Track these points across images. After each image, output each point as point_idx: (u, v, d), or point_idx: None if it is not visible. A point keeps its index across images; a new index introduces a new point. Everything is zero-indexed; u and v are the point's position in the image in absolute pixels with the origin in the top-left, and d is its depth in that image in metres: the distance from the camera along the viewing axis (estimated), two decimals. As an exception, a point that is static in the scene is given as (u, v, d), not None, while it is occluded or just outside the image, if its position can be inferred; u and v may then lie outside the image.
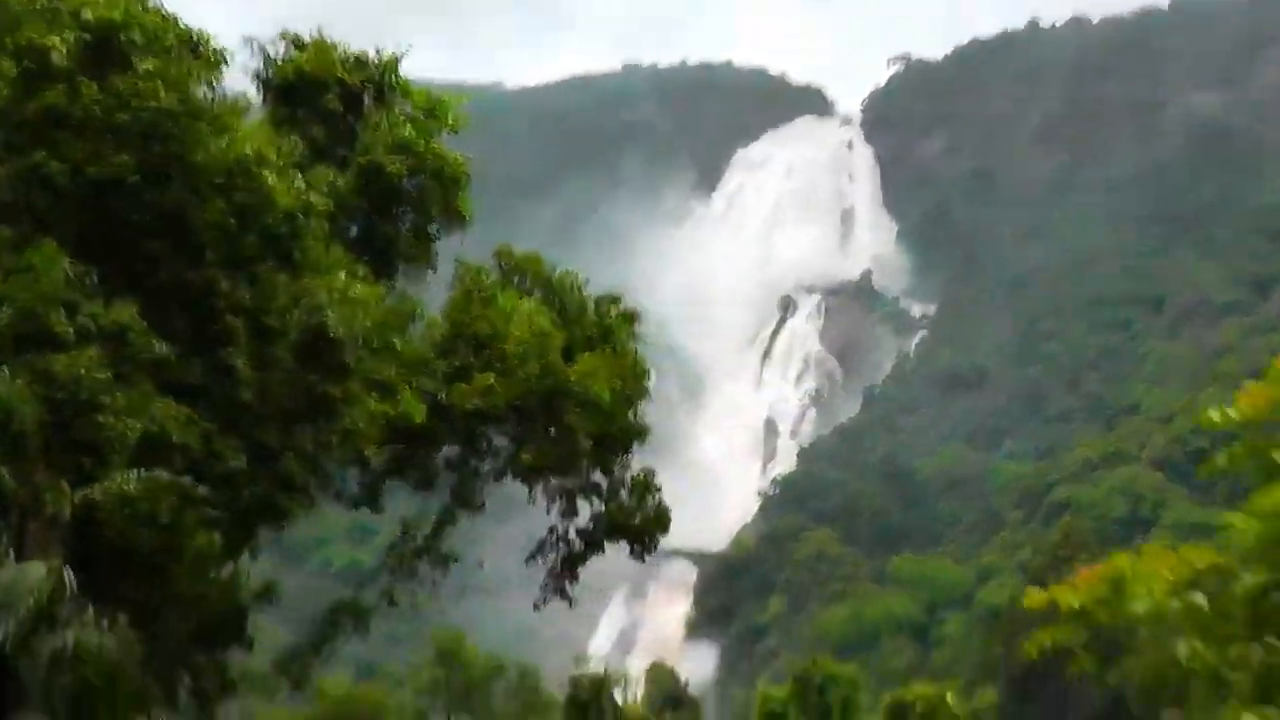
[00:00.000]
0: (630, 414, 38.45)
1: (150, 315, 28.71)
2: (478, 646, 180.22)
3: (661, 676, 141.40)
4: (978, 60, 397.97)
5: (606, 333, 39.18)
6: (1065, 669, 69.05)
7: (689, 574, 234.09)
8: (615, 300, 39.82)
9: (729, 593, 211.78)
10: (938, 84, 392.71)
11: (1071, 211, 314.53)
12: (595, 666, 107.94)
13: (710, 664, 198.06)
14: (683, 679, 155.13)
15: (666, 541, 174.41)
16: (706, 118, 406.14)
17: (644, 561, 40.35)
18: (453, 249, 45.38)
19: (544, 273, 41.15)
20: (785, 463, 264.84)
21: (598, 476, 40.69)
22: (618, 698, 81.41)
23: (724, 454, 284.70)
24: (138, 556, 27.69)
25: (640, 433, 41.73)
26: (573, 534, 41.38)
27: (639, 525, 39.20)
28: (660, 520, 39.53)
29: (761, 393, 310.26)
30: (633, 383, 38.28)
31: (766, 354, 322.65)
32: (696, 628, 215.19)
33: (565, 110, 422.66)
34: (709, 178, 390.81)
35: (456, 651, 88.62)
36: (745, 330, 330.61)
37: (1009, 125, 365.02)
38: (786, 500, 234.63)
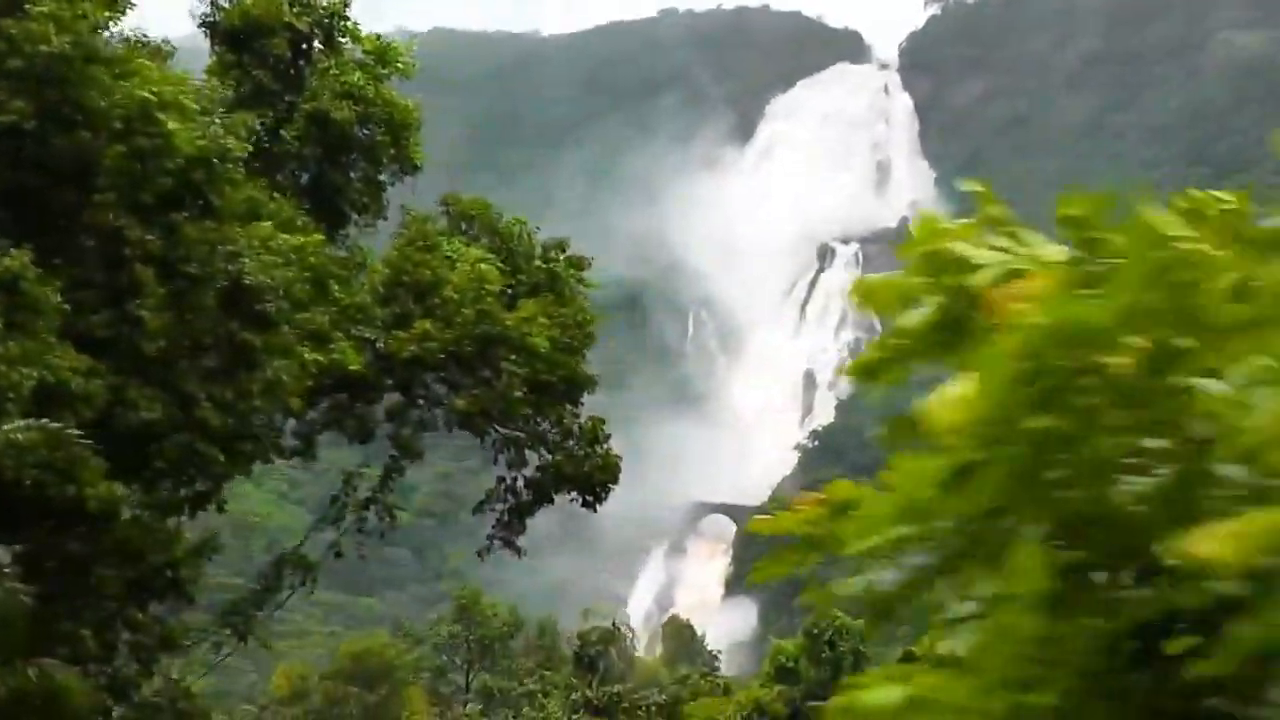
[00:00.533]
0: (575, 362, 37.35)
1: (58, 265, 28.21)
2: (509, 604, 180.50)
3: (679, 631, 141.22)
4: (1015, 2, 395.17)
5: (553, 279, 38.14)
6: None
7: (728, 529, 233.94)
8: (562, 246, 38.68)
9: (768, 547, 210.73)
10: (976, 27, 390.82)
11: (1110, 155, 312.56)
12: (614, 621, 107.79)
13: (751, 619, 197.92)
14: (706, 633, 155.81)
15: (704, 495, 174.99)
16: (741, 64, 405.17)
17: (595, 511, 39.12)
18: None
19: (491, 219, 39.89)
20: (824, 415, 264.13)
21: (547, 427, 39.53)
22: (639, 651, 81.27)
23: (762, 407, 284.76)
24: (37, 505, 27.23)
25: (587, 381, 39.85)
26: (520, 485, 40.05)
27: (587, 475, 38.09)
28: (608, 469, 38.42)
29: (799, 344, 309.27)
30: (577, 330, 37.18)
31: (804, 304, 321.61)
32: (736, 583, 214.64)
33: (599, 57, 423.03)
34: (744, 125, 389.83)
35: (473, 608, 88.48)
36: (782, 280, 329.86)
37: (1047, 69, 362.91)
38: (825, 453, 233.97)
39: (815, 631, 73.34)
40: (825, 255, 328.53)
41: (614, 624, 67.16)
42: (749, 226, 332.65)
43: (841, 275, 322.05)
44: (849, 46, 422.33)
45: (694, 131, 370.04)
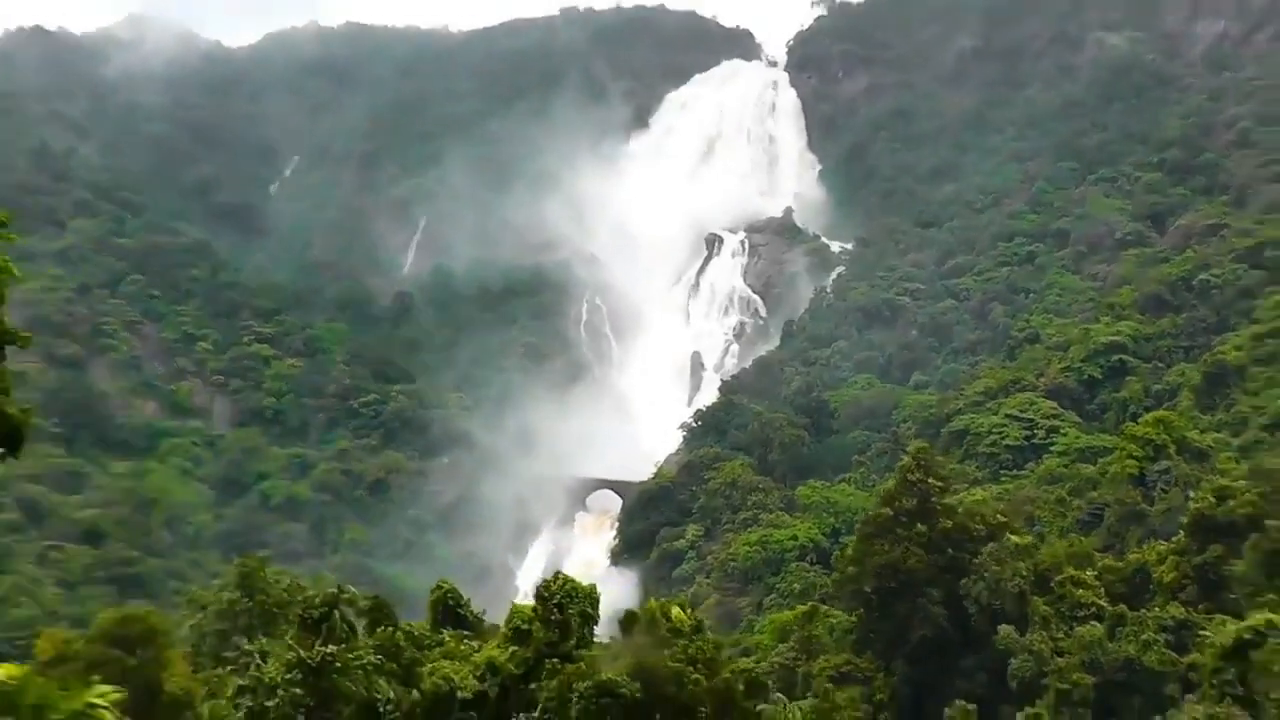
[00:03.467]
0: None
1: None
2: (403, 575, 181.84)
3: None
4: (898, 1, 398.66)
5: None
6: (915, 590, 70.54)
7: (614, 503, 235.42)
8: None
9: (649, 521, 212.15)
10: (860, 26, 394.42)
11: (984, 149, 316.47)
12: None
13: (632, 587, 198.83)
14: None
15: (594, 472, 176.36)
16: (639, 60, 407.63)
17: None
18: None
19: None
20: (709, 395, 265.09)
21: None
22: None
23: (653, 388, 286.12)
24: None
25: (8, 337, 33.50)
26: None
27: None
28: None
29: (689, 328, 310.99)
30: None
31: (694, 290, 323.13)
32: (620, 555, 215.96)
33: (503, 52, 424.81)
34: (640, 119, 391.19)
35: (255, 577, 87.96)
36: (674, 268, 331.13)
37: (927, 65, 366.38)
38: (707, 431, 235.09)
39: (546, 595, 73.40)
40: (714, 244, 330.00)
41: (338, 588, 66.64)
42: (642, 216, 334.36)
43: (729, 263, 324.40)
44: (740, 44, 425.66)
45: (592, 124, 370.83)
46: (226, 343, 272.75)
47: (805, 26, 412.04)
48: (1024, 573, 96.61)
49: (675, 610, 70.97)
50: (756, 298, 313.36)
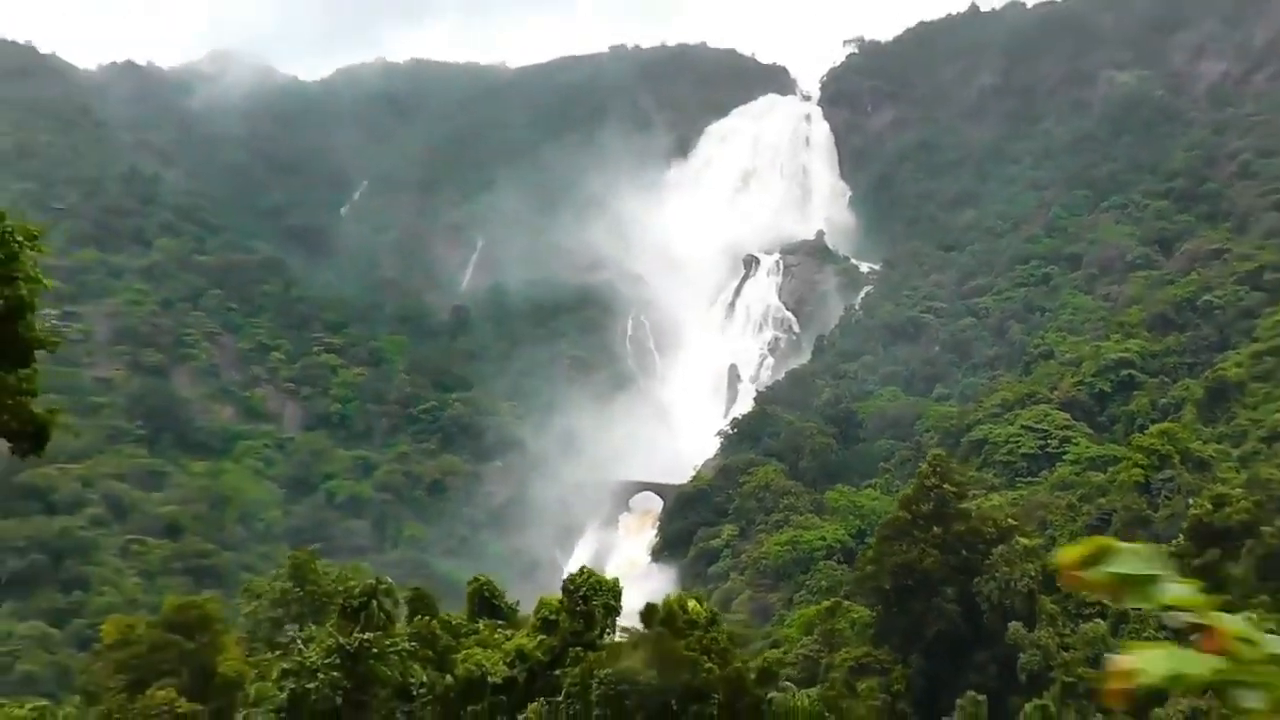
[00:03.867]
0: (23, 325, 32.38)
1: None
2: (452, 568, 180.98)
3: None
4: (924, 41, 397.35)
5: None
6: (930, 588, 69.08)
7: (656, 504, 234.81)
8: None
9: (688, 521, 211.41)
10: (888, 63, 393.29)
11: (1003, 178, 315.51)
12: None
13: (671, 583, 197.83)
14: (630, 594, 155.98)
15: (637, 476, 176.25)
16: (681, 94, 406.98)
17: (24, 459, 35.25)
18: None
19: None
20: (745, 405, 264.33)
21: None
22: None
23: (692, 398, 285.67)
24: None
25: (38, 342, 32.68)
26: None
27: (16, 429, 33.74)
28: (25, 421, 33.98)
29: (726, 342, 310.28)
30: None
31: (731, 307, 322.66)
32: (660, 552, 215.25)
33: (556, 87, 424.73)
34: (683, 149, 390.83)
35: (306, 568, 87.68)
36: (713, 286, 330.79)
37: (950, 100, 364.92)
38: (742, 438, 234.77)
39: (572, 588, 72.73)
40: (750, 264, 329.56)
41: (376, 580, 65.98)
42: (684, 238, 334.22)
43: (764, 282, 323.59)
44: (777, 80, 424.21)
45: (638, 154, 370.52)
46: (297, 353, 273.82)
47: (837, 64, 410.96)
48: (1032, 573, 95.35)
49: (692, 603, 70.35)
50: (790, 315, 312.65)
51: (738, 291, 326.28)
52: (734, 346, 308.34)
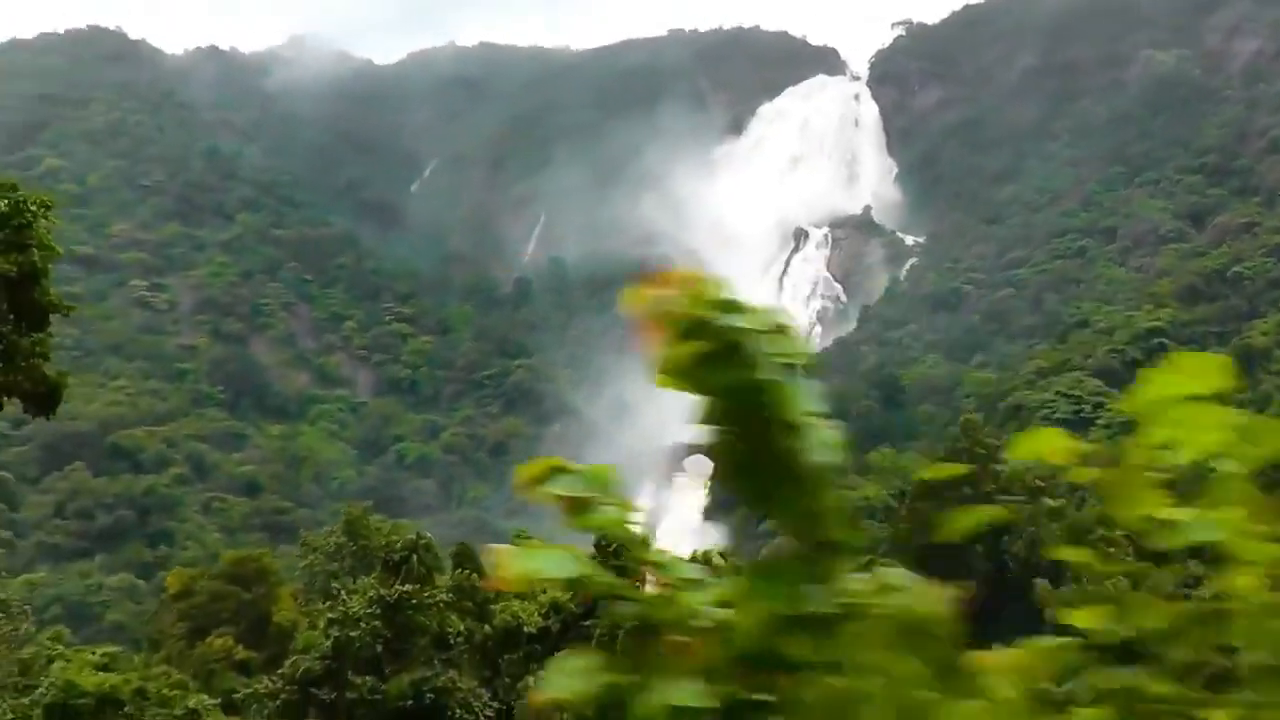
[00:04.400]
0: (37, 291, 32.19)
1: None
2: (412, 524, 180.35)
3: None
4: (969, 23, 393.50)
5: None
6: (960, 547, 68.44)
7: (707, 466, 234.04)
8: (14, 186, 32.78)
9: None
10: (934, 45, 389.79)
11: (1043, 155, 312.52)
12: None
13: (721, 541, 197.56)
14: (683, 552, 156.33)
15: (690, 440, 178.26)
16: (736, 75, 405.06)
17: (47, 419, 34.92)
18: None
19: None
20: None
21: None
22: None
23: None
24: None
25: (53, 306, 33.59)
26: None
27: (29, 389, 33.25)
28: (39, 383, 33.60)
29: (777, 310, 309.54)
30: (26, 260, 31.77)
31: (781, 279, 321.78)
32: (711, 512, 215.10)
33: (616, 69, 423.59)
34: (737, 128, 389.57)
35: (359, 523, 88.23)
36: (764, 259, 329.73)
37: (993, 80, 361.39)
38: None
39: (603, 543, 72.83)
40: (800, 238, 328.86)
41: (417, 535, 66.22)
42: (736, 213, 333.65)
43: (813, 254, 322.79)
44: (827, 61, 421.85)
45: (694, 132, 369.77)
46: (369, 322, 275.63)
47: (885, 45, 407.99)
48: (1059, 532, 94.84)
49: (714, 556, 70.33)
50: (838, 286, 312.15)
51: (788, 264, 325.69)
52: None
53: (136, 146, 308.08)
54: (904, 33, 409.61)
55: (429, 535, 67.38)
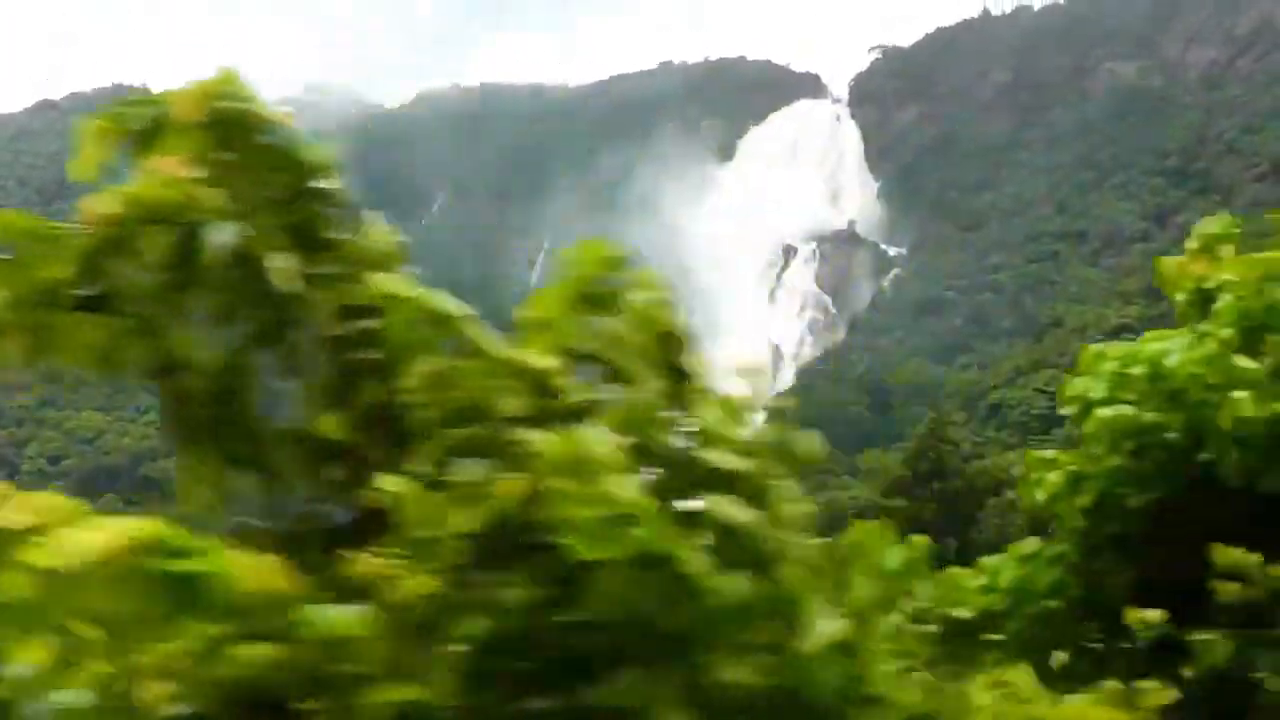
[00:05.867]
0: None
1: None
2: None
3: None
4: (941, 44, 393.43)
5: None
6: (932, 538, 69.14)
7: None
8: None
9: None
10: (909, 66, 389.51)
11: (1016, 164, 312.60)
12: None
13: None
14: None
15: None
16: (724, 102, 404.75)
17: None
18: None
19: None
20: (786, 380, 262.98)
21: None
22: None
23: (739, 377, 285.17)
24: None
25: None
26: None
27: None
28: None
29: (768, 324, 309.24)
30: None
31: (772, 292, 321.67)
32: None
33: (611, 100, 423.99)
34: (726, 151, 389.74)
35: None
36: (756, 274, 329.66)
37: (967, 97, 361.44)
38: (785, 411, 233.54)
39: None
40: (789, 253, 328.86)
41: None
42: (729, 231, 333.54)
43: (802, 269, 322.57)
44: (809, 86, 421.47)
45: (685, 156, 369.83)
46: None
47: (863, 69, 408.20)
48: (1020, 523, 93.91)
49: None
50: (827, 298, 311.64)
51: (778, 278, 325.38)
52: (776, 327, 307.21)
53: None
54: (880, 56, 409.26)
55: None
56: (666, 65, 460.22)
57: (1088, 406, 8.41)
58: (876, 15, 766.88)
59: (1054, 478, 9.24)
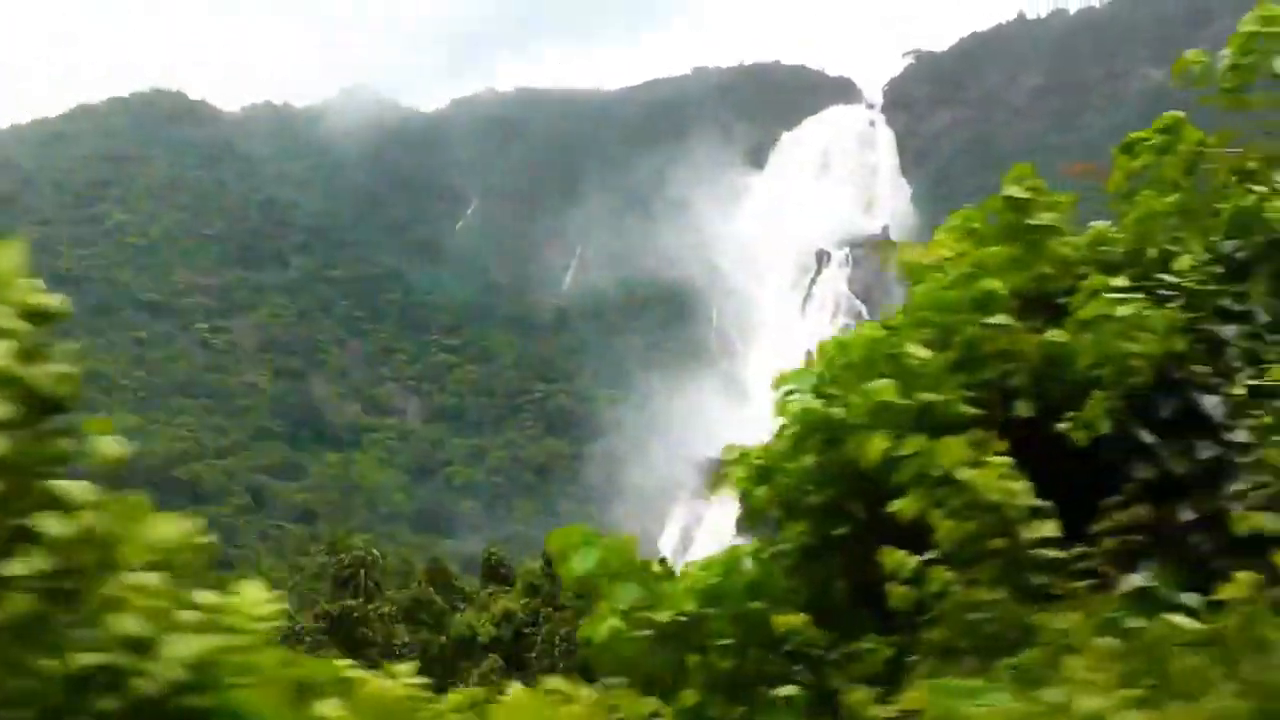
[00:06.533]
0: None
1: None
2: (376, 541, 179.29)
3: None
4: (976, 49, 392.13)
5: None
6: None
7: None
8: None
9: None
10: (943, 71, 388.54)
11: (1050, 169, 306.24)
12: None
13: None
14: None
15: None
16: (758, 107, 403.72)
17: None
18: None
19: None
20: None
21: None
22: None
23: (772, 377, 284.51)
24: None
25: None
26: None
27: None
28: None
29: (802, 328, 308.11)
30: None
31: (806, 296, 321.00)
32: (741, 524, 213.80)
33: (644, 104, 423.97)
34: (760, 155, 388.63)
35: (340, 544, 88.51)
36: (790, 279, 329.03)
37: (1000, 102, 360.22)
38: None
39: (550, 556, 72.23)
40: (822, 258, 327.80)
41: (367, 553, 66.19)
42: (761, 236, 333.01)
43: (836, 273, 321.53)
44: (843, 91, 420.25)
45: (719, 162, 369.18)
46: (418, 353, 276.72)
47: (897, 74, 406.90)
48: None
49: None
50: (859, 302, 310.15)
51: (812, 282, 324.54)
52: (810, 332, 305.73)
53: (198, 199, 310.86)
54: (914, 61, 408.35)
55: (376, 552, 67.23)
56: (700, 70, 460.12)
57: (786, 397, 8.56)
58: (911, 20, 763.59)
59: (742, 472, 8.95)
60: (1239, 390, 7.55)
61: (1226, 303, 8.33)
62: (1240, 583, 5.40)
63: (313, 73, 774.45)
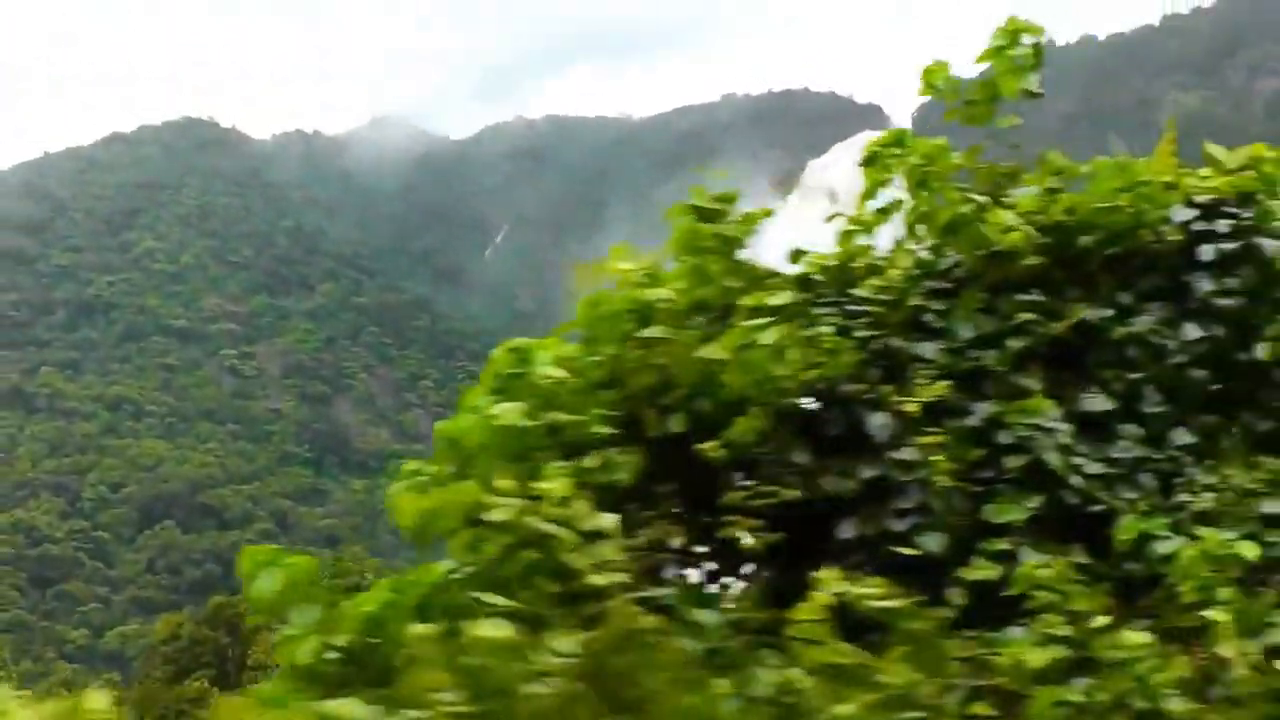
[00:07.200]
0: None
1: None
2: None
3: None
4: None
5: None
6: None
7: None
8: None
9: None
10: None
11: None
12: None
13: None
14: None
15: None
16: (787, 133, 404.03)
17: None
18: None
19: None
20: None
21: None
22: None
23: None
24: None
25: None
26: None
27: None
28: None
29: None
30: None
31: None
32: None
33: (673, 132, 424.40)
34: (789, 181, 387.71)
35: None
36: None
37: (1031, 127, 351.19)
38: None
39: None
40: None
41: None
42: (788, 263, 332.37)
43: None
44: (872, 117, 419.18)
45: (749, 187, 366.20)
46: (445, 379, 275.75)
47: (926, 100, 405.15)
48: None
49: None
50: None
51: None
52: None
53: (226, 226, 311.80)
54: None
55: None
56: (729, 97, 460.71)
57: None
58: (940, 45, 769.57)
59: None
60: (912, 408, 7.50)
61: (928, 318, 8.34)
62: (812, 604, 5.61)
63: (344, 100, 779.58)
